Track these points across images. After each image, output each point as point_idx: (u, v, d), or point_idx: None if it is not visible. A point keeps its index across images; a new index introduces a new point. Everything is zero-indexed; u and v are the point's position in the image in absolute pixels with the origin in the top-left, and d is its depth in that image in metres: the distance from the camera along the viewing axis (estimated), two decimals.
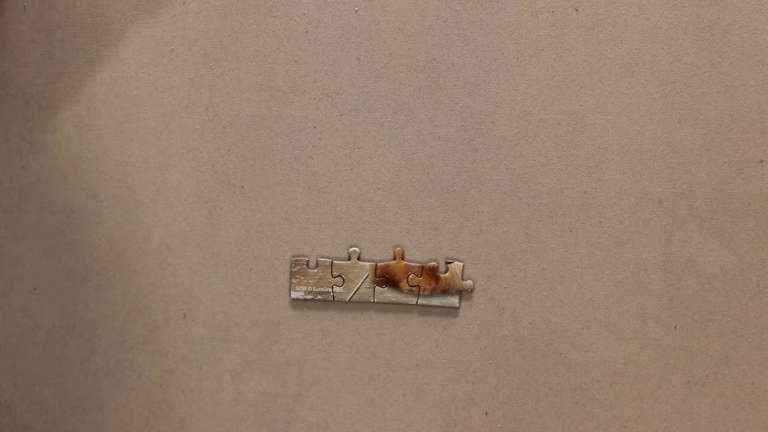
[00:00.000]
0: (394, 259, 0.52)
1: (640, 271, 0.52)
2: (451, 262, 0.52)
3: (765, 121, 0.51)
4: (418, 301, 0.52)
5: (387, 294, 0.52)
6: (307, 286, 0.52)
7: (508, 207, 0.52)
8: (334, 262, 0.52)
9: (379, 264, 0.52)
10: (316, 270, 0.52)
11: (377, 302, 0.52)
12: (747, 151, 0.52)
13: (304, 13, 0.52)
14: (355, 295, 0.52)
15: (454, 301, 0.52)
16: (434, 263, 0.52)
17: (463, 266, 0.52)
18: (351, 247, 0.52)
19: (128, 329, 0.53)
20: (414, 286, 0.52)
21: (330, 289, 0.52)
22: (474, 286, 0.52)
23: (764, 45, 0.51)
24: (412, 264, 0.52)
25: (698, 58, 0.51)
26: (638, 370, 0.52)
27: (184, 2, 0.52)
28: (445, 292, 0.52)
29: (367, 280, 0.52)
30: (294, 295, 0.52)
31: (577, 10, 0.51)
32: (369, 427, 0.53)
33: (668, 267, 0.52)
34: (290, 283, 0.53)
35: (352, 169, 0.53)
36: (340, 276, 0.52)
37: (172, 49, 0.52)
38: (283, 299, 0.53)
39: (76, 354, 0.54)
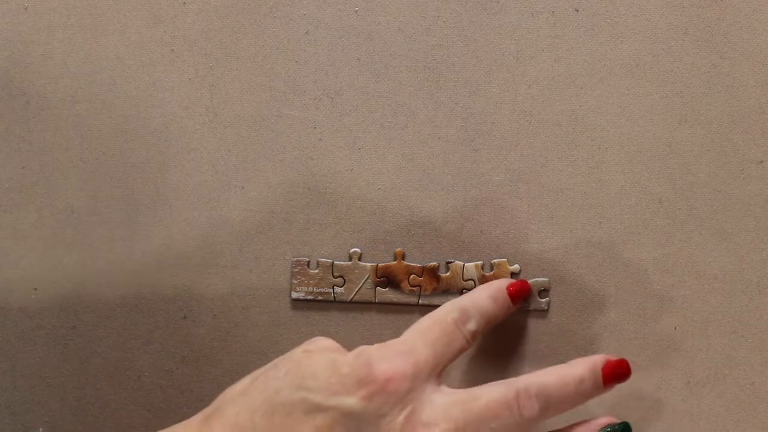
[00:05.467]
0: (395, 259, 0.52)
1: (640, 271, 0.52)
2: (451, 262, 0.52)
3: (766, 121, 0.51)
4: (420, 301, 0.52)
5: (388, 295, 0.52)
6: (307, 287, 0.52)
7: (509, 207, 0.52)
8: (335, 262, 0.52)
9: (380, 265, 0.52)
10: (316, 270, 0.52)
11: (378, 303, 0.52)
12: (747, 152, 0.52)
13: (305, 14, 0.52)
14: (357, 296, 0.52)
15: None
16: (435, 263, 0.52)
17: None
18: (352, 248, 0.52)
19: (128, 330, 0.53)
20: (415, 286, 0.52)
21: (331, 290, 0.52)
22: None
23: (765, 45, 0.51)
24: (413, 264, 0.52)
25: (698, 58, 0.51)
26: (638, 371, 0.52)
27: (184, 2, 0.52)
28: (447, 291, 0.52)
29: (368, 280, 0.52)
30: (294, 295, 0.52)
31: (577, 11, 0.52)
32: None
33: (668, 267, 0.52)
34: (291, 283, 0.53)
35: (352, 170, 0.53)
36: (341, 276, 0.52)
37: (173, 49, 0.52)
38: (283, 300, 0.53)
39: (76, 354, 0.54)
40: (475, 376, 0.53)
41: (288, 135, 0.53)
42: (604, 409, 0.52)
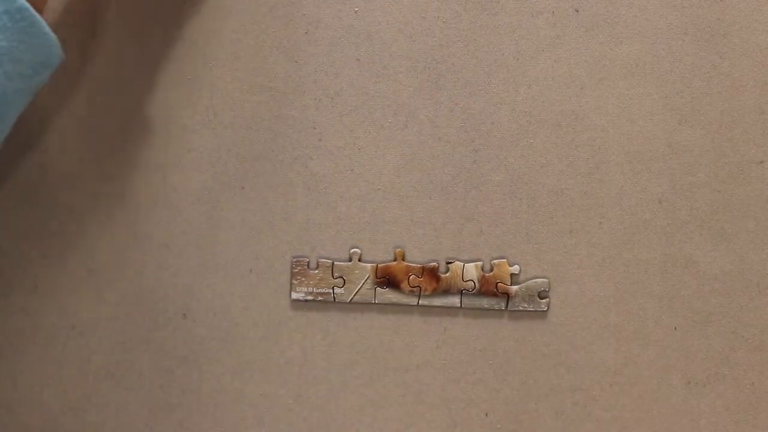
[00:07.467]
0: (395, 259, 0.52)
1: (640, 271, 0.52)
2: (451, 262, 0.52)
3: (765, 121, 0.51)
4: (420, 301, 0.52)
5: (388, 295, 0.52)
6: (307, 287, 0.52)
7: (509, 208, 0.52)
8: (335, 263, 0.52)
9: (379, 265, 0.52)
10: (316, 271, 0.52)
11: (378, 303, 0.52)
12: (747, 152, 0.52)
13: (304, 14, 0.52)
14: (357, 296, 0.52)
15: (455, 301, 0.52)
16: (435, 263, 0.52)
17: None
18: (352, 248, 0.52)
19: (128, 329, 0.53)
20: (415, 286, 0.52)
21: (331, 290, 0.52)
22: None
23: (764, 45, 0.51)
24: (413, 265, 0.52)
25: (698, 58, 0.51)
26: (638, 371, 0.52)
27: (185, 2, 0.52)
28: (446, 292, 0.52)
29: (368, 281, 0.52)
30: (294, 296, 0.52)
31: (577, 11, 0.52)
32: (369, 428, 0.53)
33: (668, 268, 0.52)
34: (291, 284, 0.53)
35: (352, 170, 0.53)
36: (341, 277, 0.52)
37: (173, 49, 0.52)
38: (283, 300, 0.53)
39: (76, 354, 0.54)
40: (476, 377, 0.53)
41: (288, 135, 0.53)
42: (604, 408, 0.52)
